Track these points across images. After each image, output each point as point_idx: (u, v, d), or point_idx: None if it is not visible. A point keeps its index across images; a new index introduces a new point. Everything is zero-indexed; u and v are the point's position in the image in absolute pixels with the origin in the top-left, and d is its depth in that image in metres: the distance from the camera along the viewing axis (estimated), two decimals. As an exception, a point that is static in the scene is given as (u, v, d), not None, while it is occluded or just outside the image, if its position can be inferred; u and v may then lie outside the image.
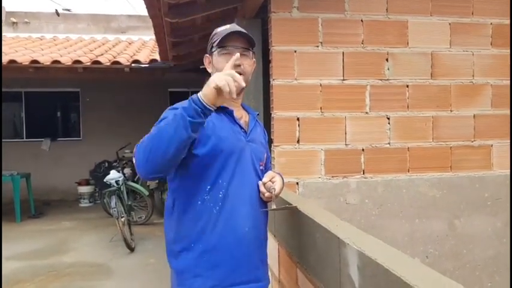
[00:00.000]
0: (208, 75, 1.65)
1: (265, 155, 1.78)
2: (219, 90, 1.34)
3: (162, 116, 1.52)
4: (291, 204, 1.89)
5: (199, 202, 1.56)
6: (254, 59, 1.69)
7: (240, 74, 1.57)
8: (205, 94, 1.35)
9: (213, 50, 1.63)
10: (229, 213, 1.57)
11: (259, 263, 1.68)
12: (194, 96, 1.36)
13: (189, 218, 1.57)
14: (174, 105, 1.53)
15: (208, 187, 1.55)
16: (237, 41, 1.61)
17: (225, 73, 1.37)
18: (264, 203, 1.69)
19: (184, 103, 1.40)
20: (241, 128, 1.66)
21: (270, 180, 1.65)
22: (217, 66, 1.61)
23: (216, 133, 1.56)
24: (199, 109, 1.34)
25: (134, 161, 1.43)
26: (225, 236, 1.56)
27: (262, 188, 1.64)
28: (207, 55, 1.69)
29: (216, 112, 1.58)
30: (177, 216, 1.61)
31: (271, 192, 1.60)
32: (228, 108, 1.64)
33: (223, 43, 1.59)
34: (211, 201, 1.56)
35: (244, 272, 1.59)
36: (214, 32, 1.67)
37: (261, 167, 1.72)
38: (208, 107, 1.35)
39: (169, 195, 1.67)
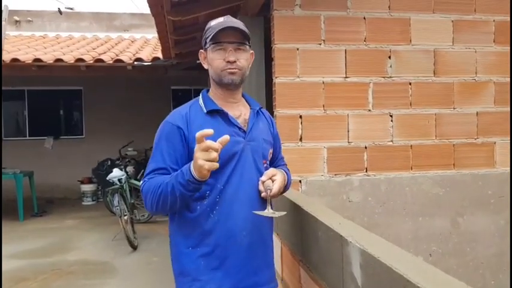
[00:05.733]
0: (207, 71, 1.64)
1: (270, 151, 1.73)
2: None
3: (156, 142, 1.56)
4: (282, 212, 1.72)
5: (198, 207, 1.54)
6: (251, 51, 1.64)
7: (236, 69, 1.56)
8: (197, 175, 1.37)
9: (207, 45, 1.58)
10: (226, 216, 1.55)
11: (259, 268, 1.62)
12: (187, 174, 1.38)
13: (188, 222, 1.56)
14: (164, 133, 1.56)
15: (208, 192, 1.53)
16: (231, 36, 1.55)
17: (202, 161, 1.32)
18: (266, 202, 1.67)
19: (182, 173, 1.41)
20: (240, 128, 1.60)
21: (270, 178, 1.58)
22: (211, 63, 1.58)
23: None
24: (196, 185, 1.40)
25: (143, 202, 1.56)
26: (222, 240, 1.54)
27: (261, 187, 1.59)
28: (202, 50, 1.65)
29: (211, 115, 1.57)
30: (177, 220, 1.61)
31: (267, 193, 1.54)
32: (223, 110, 1.59)
33: (216, 39, 1.54)
34: (208, 206, 1.54)
35: (240, 277, 1.56)
36: (208, 26, 1.61)
37: (265, 165, 1.68)
38: (202, 181, 1.39)
39: None
